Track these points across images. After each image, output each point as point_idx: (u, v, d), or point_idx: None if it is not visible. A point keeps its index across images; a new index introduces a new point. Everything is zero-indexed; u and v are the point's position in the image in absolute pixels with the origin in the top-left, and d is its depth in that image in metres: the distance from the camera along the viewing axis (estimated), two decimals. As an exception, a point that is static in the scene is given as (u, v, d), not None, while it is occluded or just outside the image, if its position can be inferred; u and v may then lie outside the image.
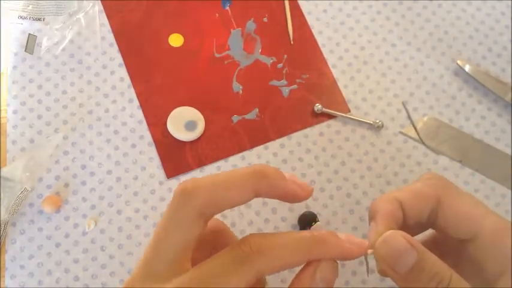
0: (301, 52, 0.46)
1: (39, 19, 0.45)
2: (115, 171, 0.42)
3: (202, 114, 0.43)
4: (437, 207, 0.29)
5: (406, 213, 0.29)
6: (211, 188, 0.26)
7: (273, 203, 0.42)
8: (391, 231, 0.27)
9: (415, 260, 0.26)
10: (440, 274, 0.26)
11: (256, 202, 0.42)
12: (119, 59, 0.45)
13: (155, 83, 0.45)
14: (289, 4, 0.47)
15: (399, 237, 0.27)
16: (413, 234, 0.29)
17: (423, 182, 0.30)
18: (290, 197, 0.27)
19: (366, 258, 0.29)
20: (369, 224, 0.29)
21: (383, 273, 0.28)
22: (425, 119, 0.45)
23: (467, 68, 0.46)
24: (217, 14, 0.47)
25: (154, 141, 0.43)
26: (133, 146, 0.43)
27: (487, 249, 0.27)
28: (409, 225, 0.29)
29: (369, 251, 0.29)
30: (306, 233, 0.26)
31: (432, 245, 0.31)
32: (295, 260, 0.25)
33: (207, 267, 0.25)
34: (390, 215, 0.29)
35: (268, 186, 0.26)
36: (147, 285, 0.25)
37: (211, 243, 0.29)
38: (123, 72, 0.45)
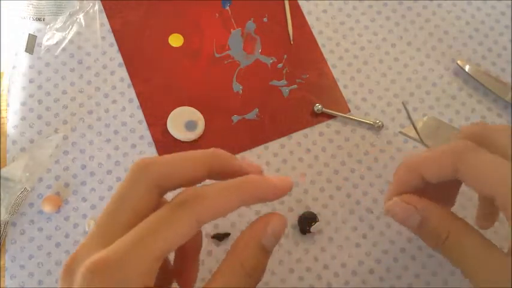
0: (301, 52, 0.46)
1: (39, 19, 0.45)
2: (115, 171, 0.42)
3: (202, 114, 0.43)
4: (459, 167, 0.31)
5: (426, 175, 0.32)
6: (165, 162, 0.27)
7: (274, 203, 0.42)
8: (396, 198, 0.31)
9: (419, 220, 0.30)
10: (438, 232, 0.30)
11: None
12: (118, 59, 0.45)
13: (155, 83, 0.45)
14: (289, 4, 0.47)
15: (401, 203, 0.31)
16: (442, 191, 0.34)
17: (448, 144, 0.32)
18: (243, 173, 0.28)
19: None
20: None
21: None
22: (425, 119, 0.45)
23: (467, 68, 0.46)
24: (217, 14, 0.47)
25: (154, 141, 0.43)
26: (133, 146, 0.43)
27: (508, 201, 0.29)
28: (432, 185, 0.32)
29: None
30: (238, 178, 0.27)
31: None
32: (230, 201, 0.26)
33: (148, 220, 0.26)
34: (404, 180, 0.32)
35: (219, 163, 0.28)
36: (98, 246, 0.25)
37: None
38: (123, 72, 0.45)
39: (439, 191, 0.33)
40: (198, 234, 0.31)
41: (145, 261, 0.24)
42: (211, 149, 0.29)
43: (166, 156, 0.28)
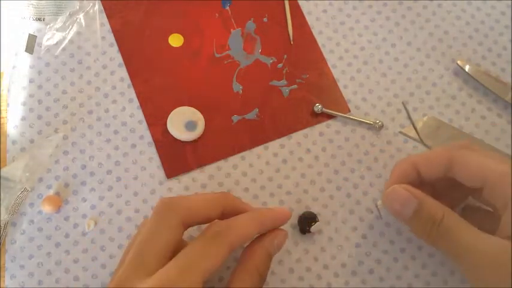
0: (301, 52, 0.46)
1: (39, 19, 0.45)
2: (115, 171, 0.42)
3: (202, 114, 0.43)
4: (451, 164, 0.34)
5: (422, 172, 0.35)
6: (188, 202, 0.33)
7: (274, 203, 0.42)
8: (396, 185, 0.34)
9: (416, 206, 0.33)
10: (434, 215, 0.32)
11: (257, 203, 0.42)
12: (118, 59, 0.45)
13: (155, 83, 0.45)
14: (289, 4, 0.47)
15: (401, 189, 0.34)
16: (435, 189, 0.37)
17: (443, 146, 0.36)
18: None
19: (377, 207, 0.41)
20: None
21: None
22: (425, 119, 0.45)
23: (467, 68, 0.46)
24: (217, 14, 0.47)
25: (154, 141, 0.43)
26: (133, 146, 0.43)
27: (495, 191, 0.32)
28: (426, 183, 0.36)
29: (378, 202, 0.41)
30: (254, 211, 0.36)
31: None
32: (253, 230, 0.34)
33: (188, 251, 0.31)
34: (402, 173, 0.35)
35: (231, 205, 0.35)
36: (140, 274, 0.30)
37: None
38: (123, 72, 0.45)
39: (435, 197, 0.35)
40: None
41: (193, 284, 0.29)
42: (222, 193, 0.39)
43: (187, 198, 0.34)
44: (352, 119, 0.44)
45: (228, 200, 0.35)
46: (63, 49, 0.45)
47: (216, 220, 0.33)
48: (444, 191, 0.38)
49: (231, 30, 0.47)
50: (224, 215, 0.34)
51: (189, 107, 0.43)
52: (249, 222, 0.34)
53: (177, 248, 0.32)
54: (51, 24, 0.45)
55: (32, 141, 0.43)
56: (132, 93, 0.44)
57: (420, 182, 0.36)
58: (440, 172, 0.34)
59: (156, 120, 0.44)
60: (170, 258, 0.31)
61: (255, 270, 0.34)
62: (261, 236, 0.36)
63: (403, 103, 0.46)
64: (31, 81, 0.44)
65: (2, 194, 0.40)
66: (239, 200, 0.37)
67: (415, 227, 0.34)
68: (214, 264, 0.30)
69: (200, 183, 0.42)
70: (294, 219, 0.42)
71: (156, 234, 0.31)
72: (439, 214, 0.32)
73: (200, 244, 0.31)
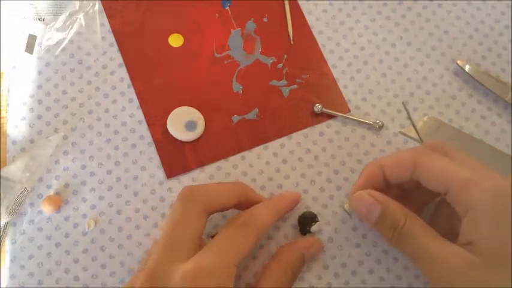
0: (301, 52, 0.46)
1: (39, 19, 0.45)
2: (115, 171, 0.42)
3: (202, 114, 0.43)
4: (415, 168, 0.34)
5: (387, 175, 0.36)
6: (208, 192, 0.35)
7: (273, 203, 0.42)
8: (361, 190, 0.35)
9: (380, 211, 0.34)
10: (396, 220, 0.33)
11: (256, 202, 0.42)
12: (119, 59, 0.45)
13: (155, 83, 0.45)
14: (289, 4, 0.47)
15: (365, 194, 0.35)
16: (400, 192, 0.38)
17: (409, 148, 0.37)
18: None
19: (345, 210, 0.42)
20: None
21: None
22: (425, 119, 0.45)
23: (467, 68, 0.46)
24: (217, 14, 0.47)
25: (154, 141, 0.43)
26: (133, 146, 0.43)
27: (456, 197, 0.32)
28: (393, 185, 0.36)
29: (346, 205, 0.42)
30: (269, 200, 0.39)
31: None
32: (274, 217, 0.37)
33: (222, 237, 0.33)
34: (370, 176, 0.36)
35: (246, 194, 0.37)
36: (176, 258, 0.32)
37: None
38: (123, 72, 0.45)
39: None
40: None
41: (229, 267, 0.32)
42: (237, 182, 0.41)
43: (207, 186, 0.36)
44: (352, 119, 0.44)
45: (243, 189, 0.37)
46: (63, 49, 0.45)
47: (240, 212, 0.36)
48: (412, 192, 0.38)
49: (231, 30, 0.47)
50: (239, 203, 0.37)
51: (189, 107, 0.43)
52: (269, 211, 0.36)
53: (201, 235, 0.34)
54: (51, 24, 0.45)
55: (32, 141, 0.43)
56: (132, 93, 0.44)
57: (387, 185, 0.36)
58: (405, 176, 0.35)
59: (156, 120, 0.44)
60: (198, 245, 0.33)
61: (288, 268, 0.37)
62: (299, 240, 0.40)
63: (403, 103, 0.46)
64: (31, 81, 0.44)
65: (2, 194, 0.40)
66: (252, 190, 0.39)
67: (380, 231, 0.35)
68: (246, 250, 0.33)
69: (200, 183, 0.42)
70: (294, 219, 0.42)
71: (185, 221, 0.33)
72: (401, 219, 0.33)
73: (231, 232, 0.33)
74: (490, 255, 0.29)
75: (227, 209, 0.37)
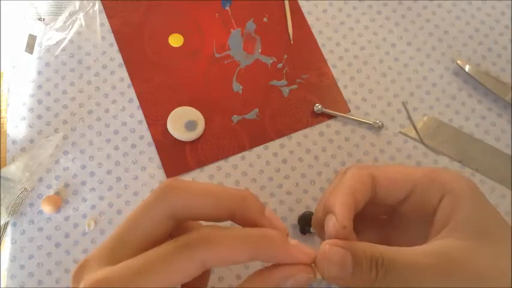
0: (301, 52, 0.46)
1: (39, 19, 0.45)
2: (115, 171, 0.42)
3: (202, 114, 0.43)
4: (373, 181, 0.31)
5: (360, 201, 0.31)
6: (190, 194, 0.27)
7: (274, 203, 0.42)
8: (327, 246, 0.28)
9: (351, 259, 0.27)
10: (373, 256, 0.27)
11: (256, 202, 0.42)
12: (119, 59, 0.45)
13: (155, 83, 0.45)
14: (289, 4, 0.47)
15: (332, 248, 0.27)
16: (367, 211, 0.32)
17: (353, 176, 0.32)
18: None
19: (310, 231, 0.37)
20: (324, 217, 0.30)
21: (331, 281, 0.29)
22: (425, 119, 0.45)
23: (467, 68, 0.46)
24: (217, 14, 0.47)
25: (154, 141, 0.43)
26: (133, 146, 0.43)
27: (426, 190, 0.30)
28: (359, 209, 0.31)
29: (311, 228, 0.36)
30: (256, 230, 0.26)
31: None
32: (240, 253, 0.25)
33: (152, 254, 0.25)
34: (348, 207, 0.30)
35: (245, 215, 0.27)
36: (102, 265, 0.25)
37: None
38: (123, 72, 0.45)
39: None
40: (204, 275, 0.31)
41: None
42: (242, 192, 0.28)
43: (196, 185, 0.28)
44: (352, 119, 0.44)
45: (244, 202, 0.28)
46: (63, 49, 0.45)
47: (201, 225, 0.28)
48: (364, 209, 0.33)
49: (231, 30, 0.47)
50: (237, 219, 0.28)
51: (189, 107, 0.43)
52: (237, 241, 0.25)
53: (163, 240, 0.27)
54: (51, 24, 0.45)
55: (32, 141, 0.43)
56: (132, 93, 0.44)
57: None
58: (369, 196, 0.31)
59: (156, 120, 0.44)
60: (146, 251, 0.26)
61: None
62: (275, 266, 0.27)
63: (403, 103, 0.46)
64: (31, 81, 0.44)
65: (2, 194, 0.40)
66: (259, 209, 0.28)
67: (359, 278, 0.27)
68: (176, 279, 0.25)
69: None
70: (294, 219, 0.42)
71: (138, 223, 0.27)
72: (376, 252, 0.27)
73: (167, 252, 0.25)
74: (476, 233, 0.28)
75: (215, 221, 0.28)
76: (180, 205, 0.27)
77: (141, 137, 0.43)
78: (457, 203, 0.29)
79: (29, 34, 0.45)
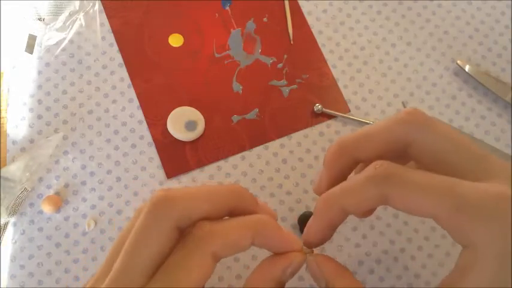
0: (301, 52, 0.46)
1: (39, 19, 0.45)
2: (115, 171, 0.42)
3: (202, 114, 0.43)
4: (386, 194, 0.27)
5: (349, 210, 0.29)
6: (188, 201, 0.27)
7: (274, 203, 0.42)
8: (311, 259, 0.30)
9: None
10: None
11: (256, 202, 0.42)
12: (119, 59, 0.45)
13: (155, 83, 0.45)
14: (289, 4, 0.47)
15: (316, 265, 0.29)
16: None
17: (366, 170, 0.28)
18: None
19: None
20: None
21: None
22: (425, 119, 0.45)
23: (467, 68, 0.46)
24: (217, 14, 0.47)
25: (154, 141, 0.43)
26: (133, 146, 0.43)
27: (447, 226, 0.26)
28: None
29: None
30: (252, 216, 0.28)
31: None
32: (243, 238, 0.27)
33: (169, 264, 0.26)
34: (324, 213, 0.30)
35: (242, 208, 0.28)
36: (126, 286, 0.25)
37: None
38: (123, 72, 0.45)
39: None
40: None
41: None
42: (235, 188, 0.28)
43: (186, 191, 0.27)
44: (352, 119, 0.44)
45: (239, 197, 0.28)
46: (63, 49, 0.45)
47: (200, 222, 0.27)
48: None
49: (231, 30, 0.47)
50: (233, 215, 0.28)
51: (189, 107, 0.43)
52: (240, 230, 0.27)
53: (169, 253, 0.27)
54: (51, 24, 0.45)
55: (32, 141, 0.43)
56: (132, 93, 0.44)
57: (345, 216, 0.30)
58: (375, 204, 0.28)
59: (156, 120, 0.44)
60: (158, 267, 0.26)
61: None
62: (272, 259, 0.28)
63: (403, 103, 0.46)
64: (31, 81, 0.44)
65: (2, 194, 0.40)
66: (252, 199, 0.29)
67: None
68: (198, 278, 0.25)
69: (200, 183, 0.42)
70: (294, 219, 0.42)
71: (149, 240, 0.26)
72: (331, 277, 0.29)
73: (181, 255, 0.26)
74: None
75: (213, 219, 0.28)
76: (182, 215, 0.26)
77: (141, 137, 0.43)
78: (476, 261, 0.24)
79: (29, 34, 0.45)
